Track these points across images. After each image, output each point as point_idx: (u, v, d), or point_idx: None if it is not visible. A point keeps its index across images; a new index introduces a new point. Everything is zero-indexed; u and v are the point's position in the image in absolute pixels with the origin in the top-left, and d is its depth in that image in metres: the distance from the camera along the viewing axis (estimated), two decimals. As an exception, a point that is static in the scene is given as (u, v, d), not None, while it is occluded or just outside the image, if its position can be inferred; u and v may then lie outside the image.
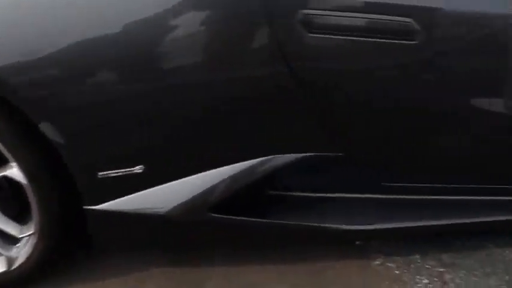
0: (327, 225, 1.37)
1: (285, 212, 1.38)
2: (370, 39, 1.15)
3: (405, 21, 1.14)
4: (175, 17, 1.15)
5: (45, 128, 1.17)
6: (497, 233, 1.60)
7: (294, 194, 1.42)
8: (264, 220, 1.34)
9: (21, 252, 1.33)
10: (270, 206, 1.40)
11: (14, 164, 1.22)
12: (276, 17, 1.14)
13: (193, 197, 1.27)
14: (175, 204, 1.28)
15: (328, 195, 1.41)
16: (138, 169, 1.25)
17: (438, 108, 1.26)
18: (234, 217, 1.31)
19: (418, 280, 1.43)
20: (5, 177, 1.26)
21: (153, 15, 1.14)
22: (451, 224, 1.43)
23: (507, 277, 1.45)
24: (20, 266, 1.34)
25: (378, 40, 1.15)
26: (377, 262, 1.49)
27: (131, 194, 1.28)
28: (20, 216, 1.33)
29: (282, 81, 1.19)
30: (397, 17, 1.14)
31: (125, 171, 1.25)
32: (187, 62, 1.19)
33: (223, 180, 1.28)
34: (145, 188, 1.28)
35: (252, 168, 1.28)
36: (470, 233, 1.59)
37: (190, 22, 1.16)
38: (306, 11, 1.13)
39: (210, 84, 1.20)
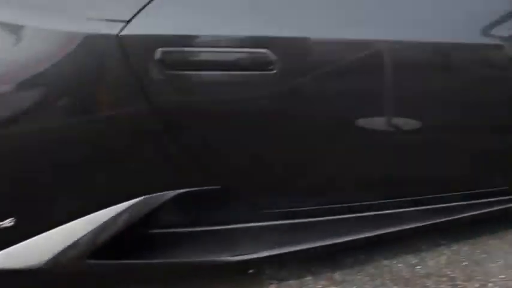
0: (213, 258, 1.36)
1: (170, 250, 1.36)
2: (229, 73, 1.17)
3: (261, 52, 1.17)
4: (38, 61, 1.12)
5: None
6: (385, 246, 1.66)
7: (179, 230, 1.40)
8: (146, 261, 1.31)
9: None
10: (155, 245, 1.37)
11: None
12: (134, 56, 1.13)
13: (69, 245, 1.23)
14: (51, 255, 1.22)
15: (213, 228, 1.41)
16: (8, 222, 1.19)
17: (306, 133, 1.30)
18: (114, 261, 1.27)
19: (310, 301, 1.45)
20: None
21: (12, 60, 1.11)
22: (339, 242, 1.47)
23: (395, 287, 1.50)
24: None
25: (237, 73, 1.18)
26: (270, 288, 1.50)
27: (3, 249, 1.21)
28: None
29: (147, 119, 1.18)
30: (252, 49, 1.17)
31: (-6, 226, 1.19)
32: (54, 106, 1.16)
33: (100, 226, 1.24)
34: (19, 242, 1.22)
35: (128, 211, 1.26)
36: (360, 248, 1.64)
37: (53, 65, 1.13)
38: (162, 49, 1.13)
39: (76, 128, 1.17)
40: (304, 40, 1.22)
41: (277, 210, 1.41)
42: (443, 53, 1.40)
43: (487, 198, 1.66)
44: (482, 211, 1.64)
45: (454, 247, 1.68)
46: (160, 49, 1.13)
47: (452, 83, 1.42)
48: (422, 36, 1.34)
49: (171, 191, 1.29)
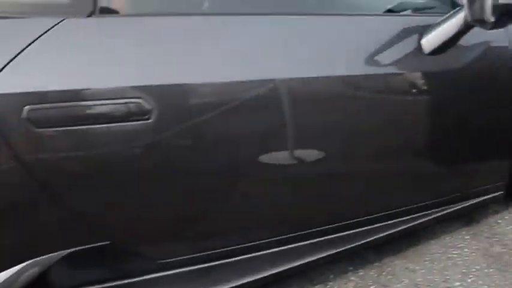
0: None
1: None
2: (103, 126, 1.14)
3: (135, 102, 1.15)
4: None
5: None
6: (293, 279, 1.66)
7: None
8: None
9: None
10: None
11: None
12: (1, 117, 1.08)
13: None
14: None
15: (111, 284, 1.35)
16: None
17: (193, 178, 1.28)
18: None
19: None
20: None
21: None
22: (242, 284, 1.45)
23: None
24: None
25: (112, 125, 1.14)
26: None
27: None
28: None
29: (21, 181, 1.12)
30: (126, 100, 1.14)
31: None
32: None
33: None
34: None
35: (15, 277, 1.18)
36: (270, 284, 1.63)
37: None
38: (30, 107, 1.08)
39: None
40: (181, 86, 1.20)
41: (176, 259, 1.37)
42: (344, 85, 1.44)
43: (387, 220, 1.70)
44: (384, 234, 1.68)
45: (361, 272, 1.70)
46: (27, 107, 1.08)
47: (355, 112, 1.46)
48: (320, 72, 1.38)
49: (58, 252, 1.22)
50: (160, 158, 1.23)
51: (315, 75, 1.36)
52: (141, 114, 1.15)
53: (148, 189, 1.25)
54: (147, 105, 1.15)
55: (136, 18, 1.24)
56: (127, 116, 1.15)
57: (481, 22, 1.40)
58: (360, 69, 1.45)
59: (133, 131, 1.16)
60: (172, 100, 1.19)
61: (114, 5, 1.24)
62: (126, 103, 1.14)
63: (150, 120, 1.16)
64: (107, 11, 1.22)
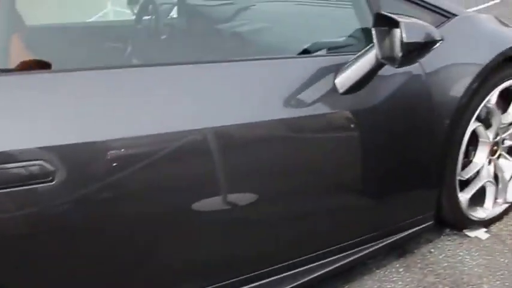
0: None
1: None
2: (5, 190, 1.08)
3: (36, 164, 1.09)
4: None
5: None
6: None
7: None
8: None
9: None
10: None
11: None
12: None
13: None
14: None
15: None
16: None
17: (104, 239, 1.23)
18: None
19: None
20: None
21: None
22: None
23: None
24: None
25: (15, 189, 1.08)
26: None
27: None
28: None
29: None
30: (25, 162, 1.09)
31: None
32: None
33: None
34: None
35: None
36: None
37: None
38: None
39: None
40: (86, 145, 1.16)
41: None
42: (262, 130, 1.43)
43: (319, 260, 1.68)
44: (317, 274, 1.65)
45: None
46: None
47: (278, 156, 1.45)
48: (237, 119, 1.37)
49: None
50: (68, 220, 1.17)
51: (230, 123, 1.34)
52: (42, 176, 1.10)
53: (61, 253, 1.19)
54: (49, 167, 1.10)
55: (34, 75, 1.19)
56: (28, 179, 1.09)
57: (391, 59, 1.42)
58: (278, 113, 1.44)
59: (36, 193, 1.11)
60: (77, 159, 1.14)
61: (10, 62, 1.19)
62: (26, 166, 1.09)
63: (53, 182, 1.11)
64: (3, 69, 1.16)
